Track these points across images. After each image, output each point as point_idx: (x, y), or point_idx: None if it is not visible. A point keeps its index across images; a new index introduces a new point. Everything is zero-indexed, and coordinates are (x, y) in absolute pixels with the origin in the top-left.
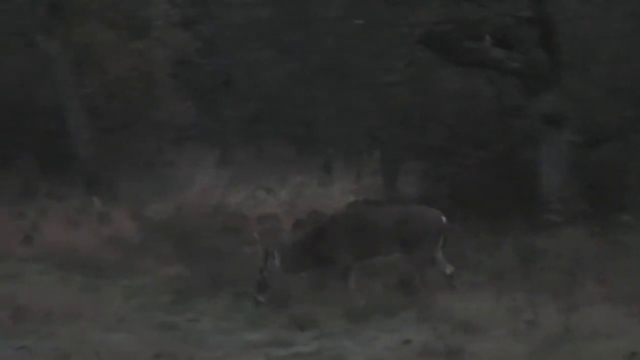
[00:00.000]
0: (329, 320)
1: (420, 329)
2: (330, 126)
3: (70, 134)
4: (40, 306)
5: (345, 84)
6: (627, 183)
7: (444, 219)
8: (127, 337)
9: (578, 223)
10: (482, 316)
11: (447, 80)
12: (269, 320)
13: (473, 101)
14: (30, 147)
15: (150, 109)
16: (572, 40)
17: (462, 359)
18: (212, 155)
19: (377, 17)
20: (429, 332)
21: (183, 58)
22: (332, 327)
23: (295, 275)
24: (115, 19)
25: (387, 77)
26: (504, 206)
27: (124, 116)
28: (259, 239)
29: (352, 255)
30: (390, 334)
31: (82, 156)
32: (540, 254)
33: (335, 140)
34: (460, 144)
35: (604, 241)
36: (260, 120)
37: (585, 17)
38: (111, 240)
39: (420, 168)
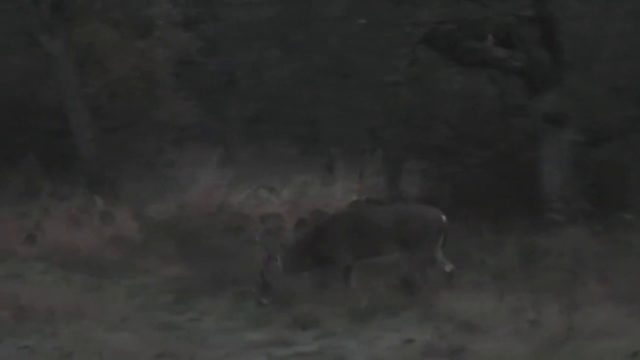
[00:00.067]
0: (331, 319)
1: (422, 329)
2: (333, 125)
3: (73, 133)
4: (42, 305)
5: (348, 83)
6: (629, 182)
7: (444, 217)
8: (129, 336)
9: (580, 222)
10: (485, 315)
11: (449, 79)
12: (271, 319)
13: (475, 100)
14: (32, 147)
15: (153, 108)
16: (574, 40)
17: (464, 358)
18: (214, 155)
19: (380, 16)
20: (431, 331)
21: (185, 58)
22: (334, 327)
23: (297, 275)
24: (117, 19)
25: (390, 77)
26: (506, 205)
27: (127, 116)
28: (260, 241)
29: (352, 255)
30: (392, 334)
31: (85, 156)
32: (543, 253)
33: (338, 139)
34: (462, 144)
35: (606, 240)
36: (262, 120)
37: (587, 16)
38: (113, 239)
39: (422, 167)
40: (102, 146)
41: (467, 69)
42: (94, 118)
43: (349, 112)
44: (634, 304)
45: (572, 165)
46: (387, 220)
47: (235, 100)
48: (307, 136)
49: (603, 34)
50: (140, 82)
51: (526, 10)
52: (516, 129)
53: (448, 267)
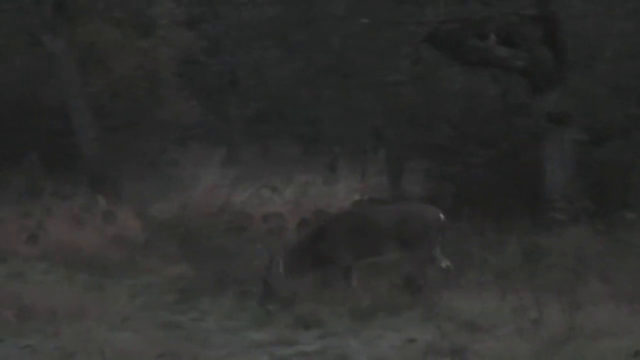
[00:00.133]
0: (333, 319)
1: (424, 328)
2: (335, 125)
3: (75, 133)
4: (45, 305)
5: (350, 83)
6: (631, 181)
7: (442, 216)
8: (131, 336)
9: (582, 221)
10: (487, 315)
11: (451, 79)
12: (274, 319)
13: (478, 100)
14: (35, 146)
15: (155, 108)
16: (577, 39)
17: (466, 357)
18: (217, 155)
19: (382, 16)
20: (433, 331)
21: (188, 57)
22: (336, 326)
23: (299, 278)
24: (120, 18)
25: (392, 76)
26: (508, 204)
27: (129, 115)
28: (264, 251)
29: (352, 254)
30: (394, 333)
31: (87, 155)
32: (545, 253)
33: (340, 139)
34: (465, 143)
35: (608, 239)
36: (264, 120)
37: (589, 16)
38: (116, 239)
39: (425, 167)
40: (105, 145)
41: (470, 68)
42: (97, 117)
43: (351, 111)
44: (635, 304)
45: (574, 165)
46: (386, 220)
47: (238, 99)
48: (309, 136)
49: (606, 33)
50: (143, 81)
51: (529, 10)
52: (519, 128)
53: (444, 264)
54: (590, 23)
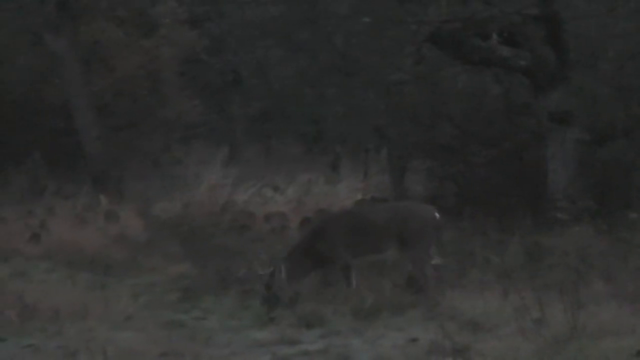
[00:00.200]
0: (335, 318)
1: (427, 328)
2: (338, 124)
3: (78, 132)
4: (47, 304)
5: (352, 82)
6: (634, 181)
7: (437, 215)
8: (134, 335)
9: (584, 221)
10: (489, 314)
11: (454, 78)
12: (277, 318)
13: (480, 99)
14: (37, 145)
15: (158, 107)
16: (579, 38)
17: (469, 357)
18: (219, 154)
19: (384, 15)
20: (436, 330)
21: (191, 56)
22: (339, 325)
23: (301, 280)
24: (123, 17)
25: (395, 75)
26: (510, 204)
27: (132, 114)
28: (266, 259)
29: (351, 253)
30: (397, 332)
31: (90, 154)
32: (547, 252)
33: (342, 138)
34: (467, 142)
35: (610, 239)
36: (268, 119)
37: (592, 15)
38: (118, 238)
39: (427, 166)
40: (107, 145)
41: (472, 68)
42: (99, 116)
43: (354, 110)
44: (638, 303)
45: (577, 164)
46: (383, 219)
47: (240, 98)
48: (311, 135)
49: (608, 33)
50: (146, 80)
51: (531, 9)
52: (521, 128)
53: (435, 260)
54: (592, 23)
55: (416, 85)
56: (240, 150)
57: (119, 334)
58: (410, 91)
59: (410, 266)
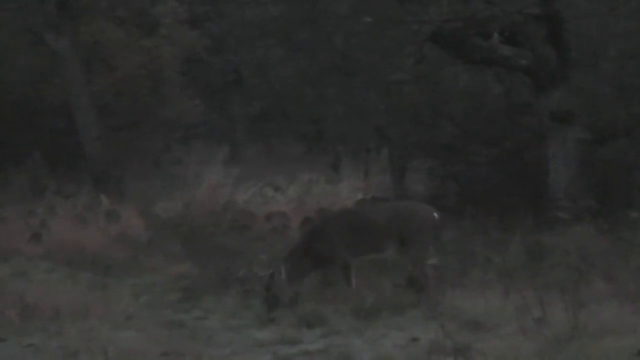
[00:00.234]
0: (336, 318)
1: (427, 327)
2: (338, 124)
3: (79, 131)
4: (48, 304)
5: (353, 82)
6: (635, 180)
7: (436, 215)
8: (135, 334)
9: (586, 220)
10: (490, 314)
11: (455, 77)
12: (277, 318)
13: (481, 99)
14: (38, 145)
15: (159, 107)
16: (580, 38)
17: (470, 356)
18: (220, 153)
19: (385, 15)
20: (437, 330)
21: (191, 56)
22: (339, 325)
23: (301, 280)
24: (123, 17)
25: (396, 75)
26: (511, 203)
27: (132, 114)
28: (266, 259)
29: (350, 253)
30: (398, 332)
31: (90, 154)
32: (548, 252)
33: (343, 138)
34: (468, 142)
35: (611, 238)
36: (268, 118)
37: (593, 15)
38: (119, 238)
39: (428, 165)
40: (108, 144)
41: (473, 67)
42: (100, 116)
43: (355, 110)
44: (639, 302)
45: (578, 164)
46: (381, 218)
47: (241, 98)
48: (312, 134)
49: (609, 32)
50: (146, 80)
51: (532, 9)
52: (522, 127)
53: (432, 260)
54: (593, 22)
55: (417, 84)
56: (241, 150)
57: (119, 333)
58: (411, 91)
59: (410, 266)
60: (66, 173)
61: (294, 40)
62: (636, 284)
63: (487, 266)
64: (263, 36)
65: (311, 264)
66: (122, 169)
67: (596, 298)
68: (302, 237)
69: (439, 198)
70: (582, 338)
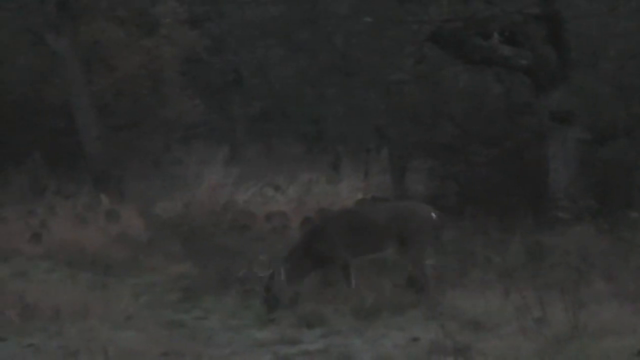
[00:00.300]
0: (336, 318)
1: (427, 327)
2: (338, 124)
3: (79, 131)
4: (48, 304)
5: (353, 82)
6: (635, 180)
7: (434, 215)
8: (135, 334)
9: (586, 220)
10: (490, 314)
11: (455, 77)
12: (277, 318)
13: (481, 99)
14: (38, 145)
15: (159, 107)
16: (580, 38)
17: (470, 356)
18: (220, 153)
19: (385, 15)
20: (437, 329)
21: (191, 56)
22: (340, 325)
23: (301, 280)
24: (123, 17)
25: (396, 75)
26: (511, 203)
27: (132, 114)
28: (266, 260)
29: (350, 253)
30: (398, 332)
31: (90, 154)
32: (548, 251)
33: (343, 138)
34: (468, 142)
35: (611, 238)
36: (268, 118)
37: (593, 15)
38: (119, 238)
39: (428, 166)
40: (108, 144)
41: (473, 67)
42: (100, 116)
43: (355, 110)
44: (639, 302)
45: (578, 164)
46: (380, 218)
47: (241, 98)
48: (312, 134)
49: (609, 32)
50: (147, 80)
51: (532, 9)
52: (522, 127)
53: (429, 261)
54: (593, 22)
55: (417, 84)
56: (241, 150)
57: (119, 333)
58: (411, 91)
59: (410, 266)
60: (66, 173)
61: (294, 40)
62: (636, 284)
63: (487, 266)
64: (263, 36)
65: (311, 264)
66: (122, 169)
67: (596, 298)
68: (302, 237)
69: (439, 198)
70: (582, 338)
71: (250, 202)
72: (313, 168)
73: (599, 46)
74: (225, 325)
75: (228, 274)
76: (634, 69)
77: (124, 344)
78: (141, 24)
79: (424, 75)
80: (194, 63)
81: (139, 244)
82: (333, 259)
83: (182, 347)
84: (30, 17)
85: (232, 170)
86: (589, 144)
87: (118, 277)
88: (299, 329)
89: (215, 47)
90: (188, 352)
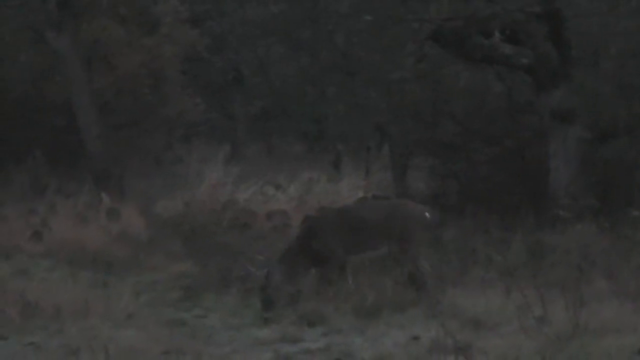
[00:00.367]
0: (337, 316)
1: (428, 325)
2: (339, 122)
3: (80, 130)
4: (49, 302)
5: (354, 80)
6: (635, 179)
7: (427, 215)
8: (136, 333)
9: (586, 219)
10: (491, 312)
11: (456, 76)
12: (278, 316)
13: (482, 97)
14: (39, 143)
15: (160, 105)
16: (581, 36)
17: (470, 355)
18: (221, 152)
19: (386, 13)
20: (437, 328)
21: (192, 55)
22: (340, 324)
23: (297, 279)
24: (124, 16)
25: (397, 74)
26: (513, 202)
27: (133, 113)
28: (262, 259)
29: (345, 251)
30: (399, 330)
31: (91, 152)
32: (549, 250)
33: (344, 136)
34: (469, 140)
35: (612, 237)
36: (269, 117)
37: (594, 13)
38: (120, 236)
39: (429, 164)
40: (109, 143)
41: (474, 66)
42: (101, 115)
43: (355, 109)
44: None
45: (579, 162)
46: (373, 216)
47: (242, 97)
48: (313, 133)
49: (610, 31)
50: (147, 79)
51: (533, 7)
52: (523, 126)
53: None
54: (594, 21)
55: (418, 83)
56: (241, 148)
57: (120, 332)
58: (412, 89)
59: (408, 265)
60: (67, 171)
61: (294, 39)
62: (637, 282)
63: (488, 264)
64: (264, 35)
65: (308, 263)
66: (123, 168)
67: (597, 296)
68: (298, 235)
69: (440, 196)
70: (583, 336)
71: (251, 200)
72: (314, 166)
73: (599, 45)
74: (225, 323)
75: (229, 272)
76: (635, 68)
77: (124, 342)
78: (142, 22)
79: (425, 73)
80: (195, 62)
81: (140, 242)
82: (329, 257)
83: (182, 346)
84: (31, 15)
85: (232, 169)
86: (590, 142)
87: (119, 276)
88: (300, 328)
89: (216, 45)
90: (188, 351)
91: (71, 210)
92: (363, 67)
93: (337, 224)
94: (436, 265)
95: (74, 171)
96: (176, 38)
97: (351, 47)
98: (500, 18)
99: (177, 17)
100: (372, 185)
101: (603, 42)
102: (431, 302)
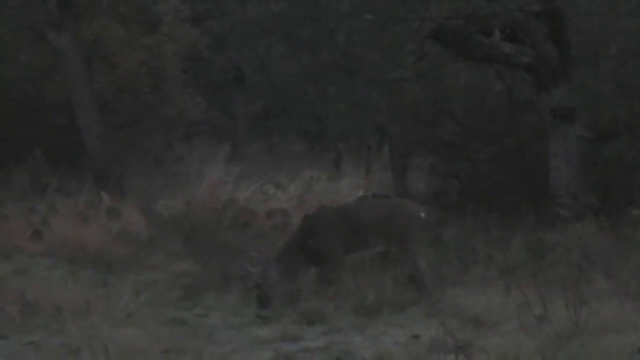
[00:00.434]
0: (337, 315)
1: (428, 324)
2: (340, 121)
3: (80, 129)
4: (49, 301)
5: (355, 79)
6: (636, 178)
7: (423, 214)
8: (136, 332)
9: (587, 218)
10: (491, 311)
11: (456, 75)
12: (278, 315)
13: (483, 96)
14: (39, 142)
15: (160, 104)
16: (581, 35)
17: (471, 354)
18: (221, 151)
19: (387, 12)
20: (437, 327)
21: (193, 54)
22: (340, 322)
23: (294, 278)
24: (125, 15)
25: (397, 73)
26: (513, 201)
27: (134, 112)
28: (257, 257)
29: (342, 249)
30: (399, 329)
31: (92, 152)
32: (550, 249)
33: (344, 135)
34: (469, 139)
35: (613, 236)
36: (270, 116)
37: (594, 12)
38: (120, 235)
39: (429, 163)
40: (109, 142)
41: (475, 65)
42: (101, 114)
43: (356, 108)
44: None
45: (579, 161)
46: (369, 215)
47: (242, 96)
48: (314, 132)
49: (610, 30)
50: (148, 78)
51: (534, 6)
52: (523, 125)
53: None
54: (594, 20)
55: (418, 82)
56: (242, 147)
57: (120, 331)
58: (412, 88)
59: (408, 264)
60: (67, 171)
61: (295, 38)
62: (637, 281)
63: (488, 263)
64: (265, 34)
65: (305, 261)
66: (123, 167)
67: (597, 295)
68: (295, 233)
69: (440, 195)
70: (583, 335)
71: (251, 199)
72: (314, 165)
73: (600, 44)
74: (226, 322)
75: (229, 271)
76: (635, 67)
77: (125, 341)
78: (142, 21)
79: (425, 72)
80: (196, 61)
81: (140, 241)
82: (327, 256)
83: (183, 345)
84: (31, 14)
85: (233, 168)
86: (590, 141)
87: (119, 275)
88: (300, 326)
89: (217, 44)
90: (189, 350)
91: (71, 209)
92: (364, 66)
93: (336, 223)
94: (436, 264)
95: (75, 170)
96: (177, 37)
97: (352, 46)
98: (500, 17)
99: (178, 16)
100: (372, 184)
101: (603, 41)
102: (431, 301)
